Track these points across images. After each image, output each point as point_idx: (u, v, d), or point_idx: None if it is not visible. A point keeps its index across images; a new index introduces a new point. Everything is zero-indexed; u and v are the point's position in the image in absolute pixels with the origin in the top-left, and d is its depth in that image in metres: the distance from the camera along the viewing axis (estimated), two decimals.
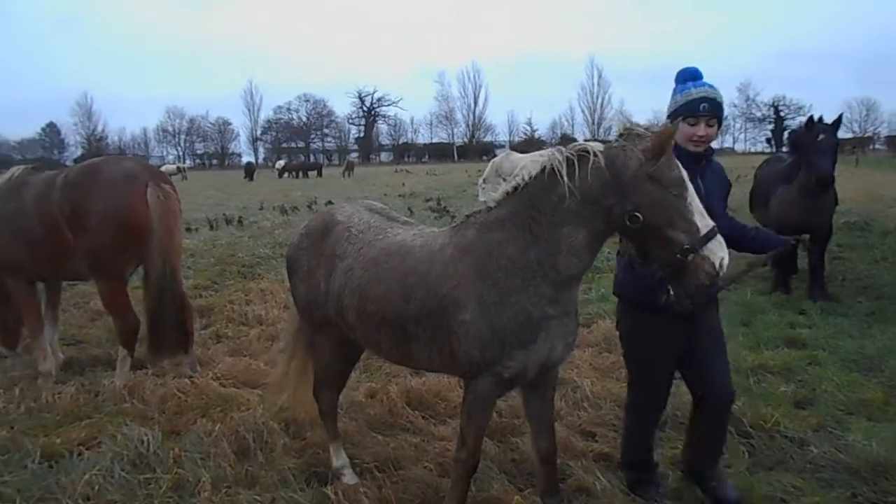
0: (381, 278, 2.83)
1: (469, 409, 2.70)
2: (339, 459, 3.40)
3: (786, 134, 75.94)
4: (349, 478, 3.30)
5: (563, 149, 2.52)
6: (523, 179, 2.61)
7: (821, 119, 6.47)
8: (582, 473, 3.33)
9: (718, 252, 2.30)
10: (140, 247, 4.36)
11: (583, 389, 4.31)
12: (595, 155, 2.41)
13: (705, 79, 3.00)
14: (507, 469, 3.40)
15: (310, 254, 3.21)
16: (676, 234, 2.31)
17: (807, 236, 2.94)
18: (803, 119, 6.84)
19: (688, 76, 3.01)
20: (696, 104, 2.89)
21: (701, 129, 2.90)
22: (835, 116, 6.60)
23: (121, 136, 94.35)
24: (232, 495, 3.11)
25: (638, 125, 2.44)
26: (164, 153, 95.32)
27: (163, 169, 42.61)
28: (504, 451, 3.62)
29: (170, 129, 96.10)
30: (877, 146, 74.77)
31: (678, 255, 2.30)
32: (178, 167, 48.01)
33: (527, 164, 2.60)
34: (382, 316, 2.81)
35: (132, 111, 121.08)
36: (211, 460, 3.41)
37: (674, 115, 2.91)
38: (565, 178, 2.43)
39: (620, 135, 2.45)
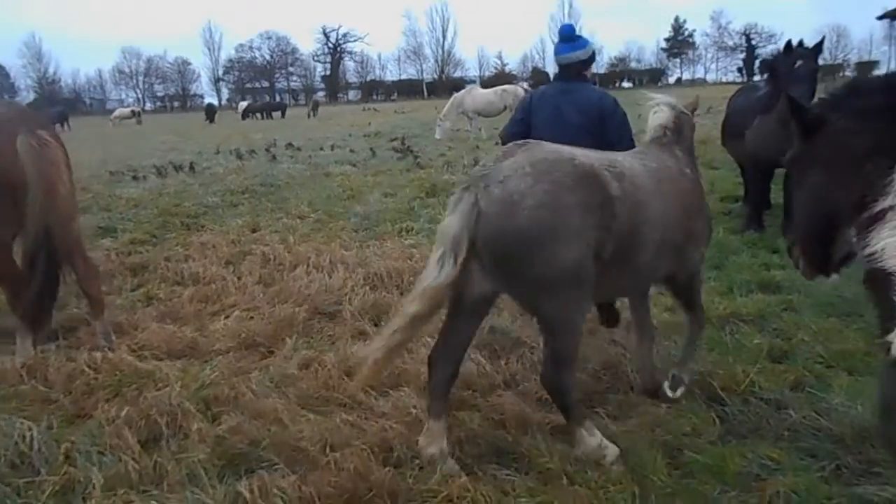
0: (669, 205, 3.06)
1: (696, 288, 3.54)
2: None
3: (757, 62, 75.29)
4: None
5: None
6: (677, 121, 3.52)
7: (800, 43, 5.95)
8: (540, 449, 2.95)
9: None
10: (16, 204, 3.73)
11: (540, 351, 3.90)
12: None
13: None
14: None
15: (584, 208, 2.63)
16: None
17: None
18: (774, 47, 6.35)
19: (573, 33, 4.20)
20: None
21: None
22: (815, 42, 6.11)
23: (75, 78, 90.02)
24: (127, 499, 2.66)
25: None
26: (123, 96, 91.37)
27: (116, 113, 40.50)
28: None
29: (126, 70, 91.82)
30: (847, 73, 74.47)
31: None
32: (132, 111, 45.85)
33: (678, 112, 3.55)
34: (673, 240, 3.10)
35: (86, 52, 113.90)
36: (109, 455, 2.95)
37: (588, 62, 4.18)
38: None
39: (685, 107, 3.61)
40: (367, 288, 5.26)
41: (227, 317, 4.85)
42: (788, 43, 5.95)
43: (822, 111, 2.05)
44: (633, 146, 3.83)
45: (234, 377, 3.79)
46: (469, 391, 3.46)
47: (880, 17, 14.04)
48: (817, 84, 5.99)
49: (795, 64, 5.81)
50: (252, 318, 4.80)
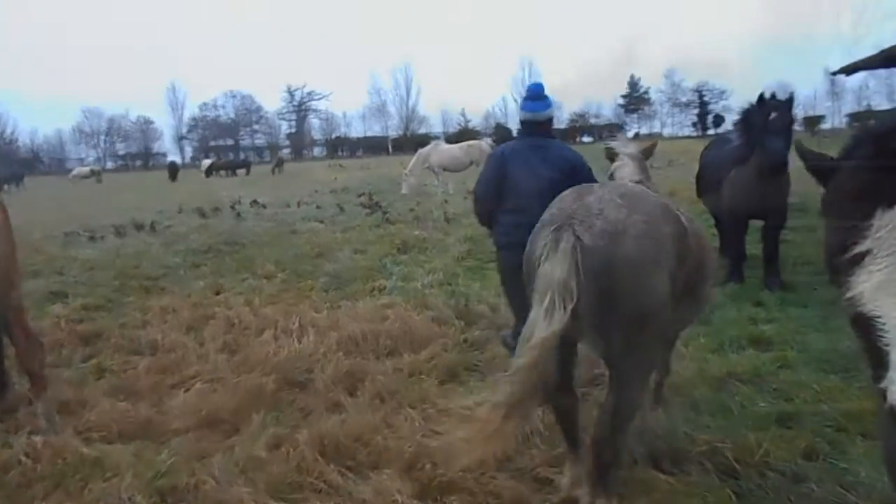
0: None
1: None
2: None
3: (710, 117, 77.60)
4: None
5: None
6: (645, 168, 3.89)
7: (773, 95, 5.97)
8: None
9: None
10: None
11: (531, 420, 3.60)
12: None
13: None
14: None
15: (672, 238, 2.66)
16: None
17: None
18: (726, 103, 6.45)
19: (542, 92, 4.35)
20: None
21: None
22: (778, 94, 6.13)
23: (33, 138, 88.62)
24: None
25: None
26: (84, 155, 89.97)
27: (75, 172, 39.89)
28: None
29: (87, 129, 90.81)
30: (795, 127, 77.63)
31: None
32: (91, 170, 44.95)
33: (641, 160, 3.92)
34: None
35: (44, 112, 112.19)
36: None
37: (552, 119, 4.41)
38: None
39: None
40: (341, 353, 4.91)
41: (187, 390, 4.44)
42: (761, 95, 5.97)
43: (838, 160, 2.03)
44: None
45: (194, 462, 3.40)
46: (459, 472, 3.11)
47: (834, 74, 14.54)
48: (793, 136, 5.98)
49: (770, 116, 5.80)
50: (215, 390, 4.40)
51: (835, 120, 75.22)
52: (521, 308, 4.18)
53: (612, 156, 4.06)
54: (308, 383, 4.50)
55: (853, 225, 1.68)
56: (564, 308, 2.42)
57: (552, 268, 2.49)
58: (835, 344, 4.65)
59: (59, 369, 4.98)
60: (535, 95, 4.32)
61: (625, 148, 4.00)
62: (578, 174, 4.06)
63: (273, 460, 3.36)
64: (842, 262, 1.65)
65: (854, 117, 62.56)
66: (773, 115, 5.82)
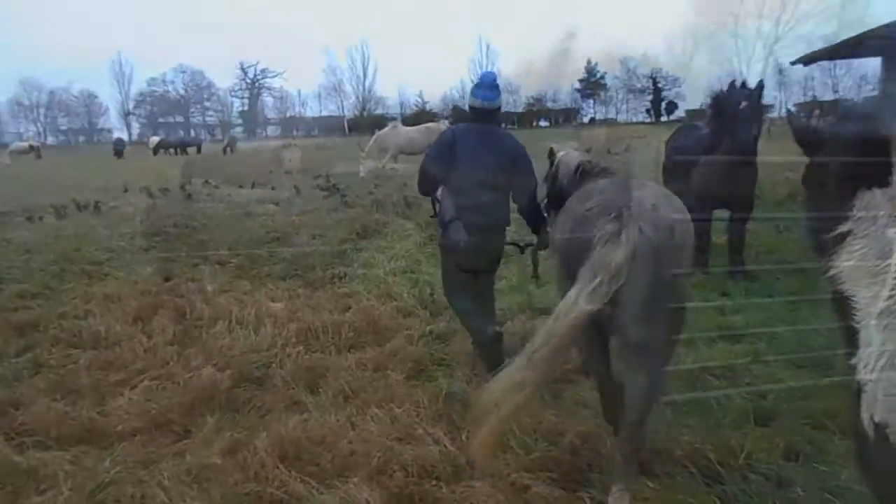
0: None
1: None
2: None
3: (664, 104, 78.89)
4: None
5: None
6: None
7: (744, 83, 5.91)
8: None
9: None
10: None
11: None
12: None
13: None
14: None
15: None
16: None
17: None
18: (679, 90, 6.47)
19: (495, 81, 4.44)
20: None
21: None
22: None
23: None
24: None
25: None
26: (23, 130, 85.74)
27: (12, 147, 37.78)
28: None
29: (26, 102, 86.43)
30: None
31: None
32: (30, 145, 42.65)
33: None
34: None
35: None
36: None
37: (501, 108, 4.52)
38: None
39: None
40: (301, 347, 4.66)
41: (133, 388, 4.14)
42: (732, 82, 5.91)
43: (825, 135, 2.02)
44: (536, 186, 4.37)
45: (140, 470, 3.14)
46: (432, 480, 2.92)
47: (793, 63, 14.89)
48: (762, 124, 5.94)
49: (740, 104, 5.74)
50: (164, 388, 4.11)
51: (781, 109, 77.34)
52: (456, 288, 4.32)
53: (552, 153, 4.35)
54: (266, 379, 4.25)
55: (837, 204, 1.69)
56: (609, 291, 2.49)
57: (611, 253, 2.55)
58: (803, 335, 4.63)
59: None
60: (488, 85, 4.40)
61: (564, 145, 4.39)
62: (519, 163, 4.30)
63: (228, 467, 3.11)
64: (826, 241, 1.68)
65: (800, 107, 64.46)
66: (744, 103, 5.75)
